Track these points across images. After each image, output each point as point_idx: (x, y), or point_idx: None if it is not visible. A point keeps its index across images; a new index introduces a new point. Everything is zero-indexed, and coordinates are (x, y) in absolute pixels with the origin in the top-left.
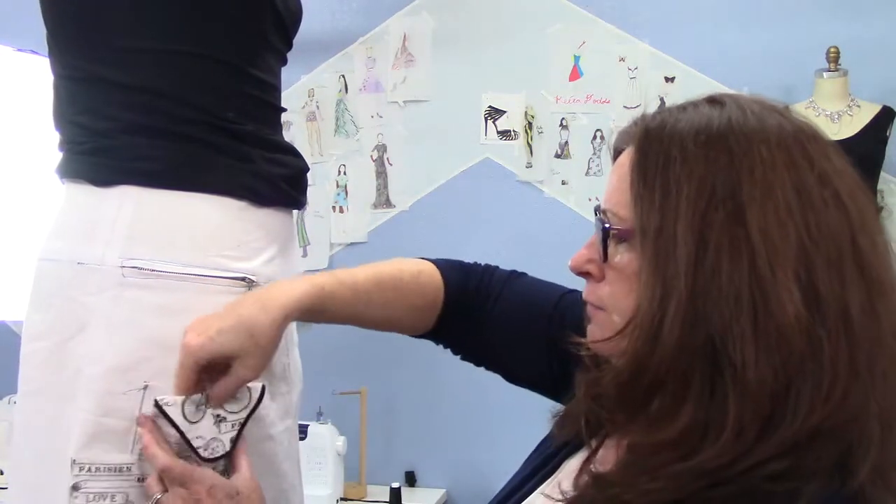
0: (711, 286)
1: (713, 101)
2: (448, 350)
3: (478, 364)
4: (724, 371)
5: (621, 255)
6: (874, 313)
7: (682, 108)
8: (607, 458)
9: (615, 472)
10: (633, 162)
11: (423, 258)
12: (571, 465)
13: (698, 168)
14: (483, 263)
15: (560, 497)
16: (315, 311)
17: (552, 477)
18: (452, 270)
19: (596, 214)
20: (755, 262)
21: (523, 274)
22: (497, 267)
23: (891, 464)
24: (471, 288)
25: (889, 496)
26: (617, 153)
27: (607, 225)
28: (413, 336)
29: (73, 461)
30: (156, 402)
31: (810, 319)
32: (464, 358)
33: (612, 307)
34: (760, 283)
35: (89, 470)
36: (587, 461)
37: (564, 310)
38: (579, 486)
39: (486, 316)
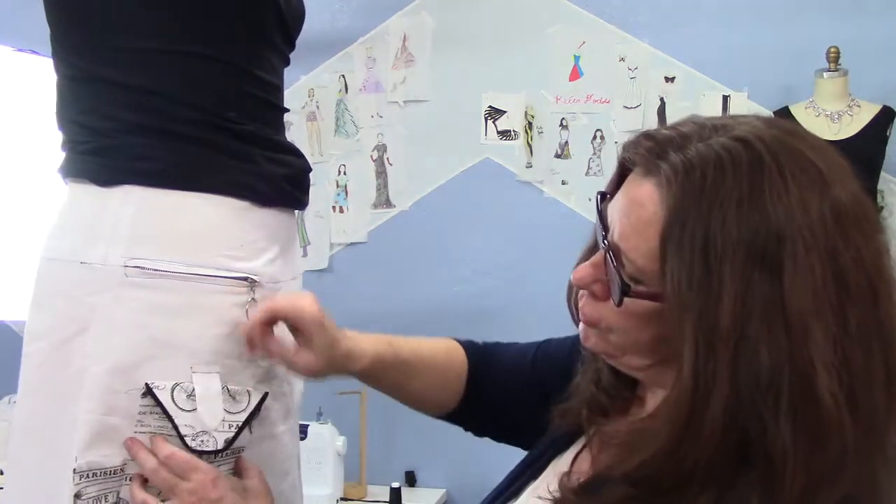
0: (751, 373)
1: (745, 145)
2: (471, 433)
3: (497, 438)
4: (754, 457)
5: (636, 301)
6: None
7: (712, 147)
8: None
9: None
10: (664, 223)
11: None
12: (559, 466)
13: (740, 253)
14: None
15: (549, 497)
16: (371, 377)
17: (540, 478)
18: (471, 343)
19: (603, 242)
20: (793, 353)
21: (517, 343)
22: (499, 342)
23: None
24: (479, 358)
25: None
26: (624, 168)
27: (629, 282)
28: (442, 417)
29: (73, 470)
30: (146, 384)
31: (846, 414)
32: (483, 434)
33: (612, 329)
34: (799, 372)
35: (87, 476)
36: (572, 465)
37: (547, 349)
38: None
39: (489, 383)
